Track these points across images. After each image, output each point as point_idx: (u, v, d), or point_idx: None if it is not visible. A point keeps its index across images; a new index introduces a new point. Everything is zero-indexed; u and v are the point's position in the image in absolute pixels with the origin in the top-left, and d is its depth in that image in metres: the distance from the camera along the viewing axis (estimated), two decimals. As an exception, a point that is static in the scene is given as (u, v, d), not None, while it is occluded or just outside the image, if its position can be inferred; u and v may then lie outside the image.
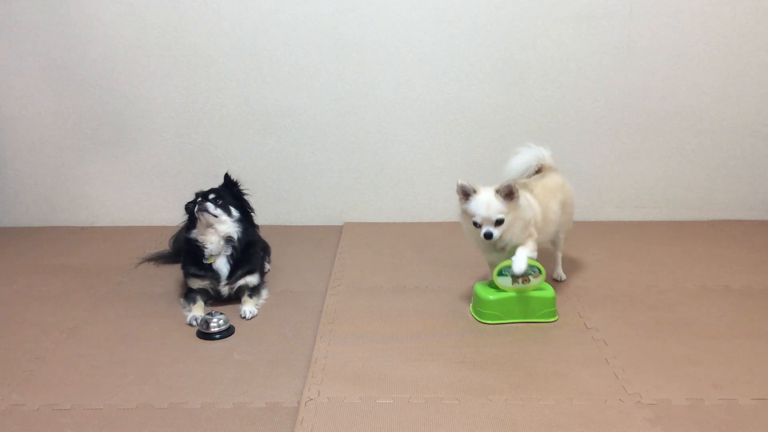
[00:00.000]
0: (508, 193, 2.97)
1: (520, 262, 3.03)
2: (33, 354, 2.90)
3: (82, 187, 4.52)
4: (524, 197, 3.09)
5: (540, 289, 3.14)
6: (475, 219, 3.01)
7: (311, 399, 2.52)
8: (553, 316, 3.14)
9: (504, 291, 3.11)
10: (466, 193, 3.03)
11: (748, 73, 4.27)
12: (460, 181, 3.03)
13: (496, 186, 2.99)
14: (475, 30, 4.21)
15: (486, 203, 2.98)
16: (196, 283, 3.33)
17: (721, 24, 4.17)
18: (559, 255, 3.59)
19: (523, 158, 3.44)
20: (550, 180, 3.38)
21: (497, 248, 3.12)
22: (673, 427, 2.35)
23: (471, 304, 3.25)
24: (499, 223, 2.98)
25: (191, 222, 3.32)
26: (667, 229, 4.37)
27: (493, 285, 3.15)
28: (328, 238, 4.30)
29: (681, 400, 2.51)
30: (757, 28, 4.18)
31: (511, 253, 3.08)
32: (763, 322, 3.11)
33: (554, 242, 3.52)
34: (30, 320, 3.22)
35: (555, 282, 3.52)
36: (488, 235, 2.98)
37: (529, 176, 3.43)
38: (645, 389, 2.57)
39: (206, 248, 3.25)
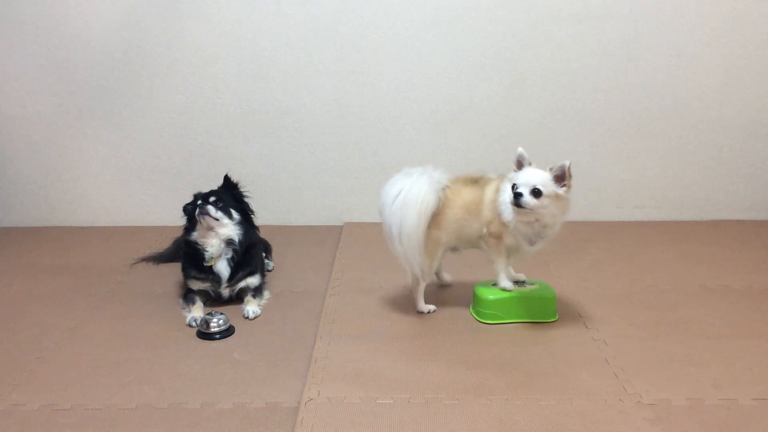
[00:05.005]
0: (560, 175, 2.79)
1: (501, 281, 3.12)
2: (33, 354, 2.90)
3: (82, 187, 4.52)
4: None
5: (540, 289, 3.14)
6: (514, 183, 2.83)
7: (311, 399, 2.52)
8: (553, 316, 3.14)
9: (504, 291, 3.11)
10: (520, 164, 2.88)
11: (748, 73, 4.27)
12: (520, 150, 2.88)
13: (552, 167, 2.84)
14: (475, 30, 4.21)
15: (534, 172, 2.83)
16: (197, 285, 3.32)
17: (721, 24, 4.17)
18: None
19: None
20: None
21: (529, 240, 2.98)
22: (673, 427, 2.35)
23: (471, 304, 3.25)
24: (536, 193, 2.80)
25: (191, 224, 3.31)
26: (667, 229, 4.36)
27: (493, 285, 3.16)
28: (328, 238, 4.30)
29: (681, 400, 2.51)
30: (757, 28, 4.18)
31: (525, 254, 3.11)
32: (763, 322, 3.11)
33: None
34: (30, 320, 3.22)
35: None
36: (517, 195, 2.78)
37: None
38: (645, 389, 2.57)
39: (207, 251, 3.24)
